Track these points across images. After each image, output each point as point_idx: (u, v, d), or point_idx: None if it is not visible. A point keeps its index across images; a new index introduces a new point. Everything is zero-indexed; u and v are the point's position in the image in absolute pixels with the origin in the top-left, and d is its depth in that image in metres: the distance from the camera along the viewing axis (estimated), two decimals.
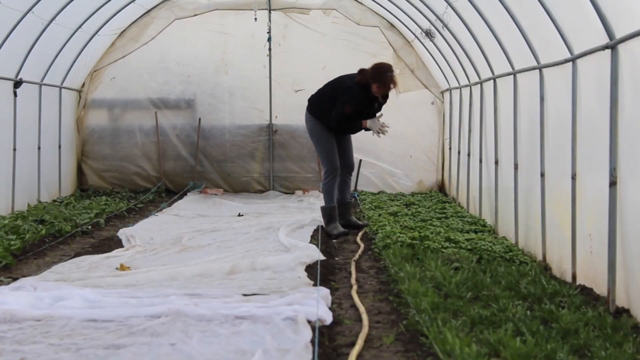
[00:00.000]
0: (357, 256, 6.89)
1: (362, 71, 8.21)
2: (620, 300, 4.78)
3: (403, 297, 5.11)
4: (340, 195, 8.46)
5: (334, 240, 7.75)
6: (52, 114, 10.88)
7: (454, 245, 7.00)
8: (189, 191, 11.94)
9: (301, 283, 5.66)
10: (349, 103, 8.09)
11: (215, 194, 11.75)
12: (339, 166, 8.29)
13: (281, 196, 11.98)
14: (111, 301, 4.96)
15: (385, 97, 8.34)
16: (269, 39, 12.25)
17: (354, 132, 8.41)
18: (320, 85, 8.56)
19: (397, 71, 12.91)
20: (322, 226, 8.35)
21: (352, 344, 4.19)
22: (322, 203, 8.44)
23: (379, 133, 8.20)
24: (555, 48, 5.94)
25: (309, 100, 8.51)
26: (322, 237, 7.74)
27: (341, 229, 8.16)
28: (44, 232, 7.78)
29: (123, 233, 7.95)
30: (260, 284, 5.70)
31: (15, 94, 9.31)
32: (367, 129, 8.24)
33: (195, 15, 12.32)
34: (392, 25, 12.19)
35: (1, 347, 4.03)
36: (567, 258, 5.78)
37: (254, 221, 8.94)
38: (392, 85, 8.12)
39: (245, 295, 5.25)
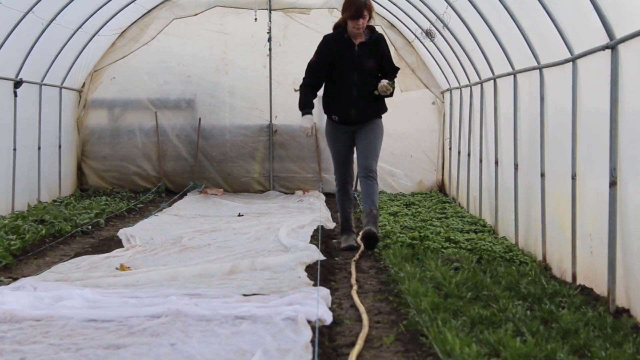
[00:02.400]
0: (357, 256, 6.88)
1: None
2: (620, 300, 4.78)
3: (403, 297, 5.10)
4: (363, 201, 7.09)
5: (334, 241, 7.75)
6: (52, 114, 10.88)
7: (454, 245, 7.00)
8: (189, 191, 11.94)
9: (301, 283, 5.66)
10: (316, 51, 6.98)
11: (215, 194, 11.75)
12: (346, 179, 7.16)
13: (281, 196, 11.98)
14: (111, 301, 4.96)
15: (374, 43, 6.94)
16: (269, 39, 12.25)
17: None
18: None
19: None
20: (322, 226, 8.34)
21: (352, 344, 4.19)
22: (322, 203, 8.41)
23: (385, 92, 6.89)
24: (555, 48, 5.94)
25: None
26: (322, 237, 7.73)
27: (349, 242, 7.18)
28: (44, 232, 7.78)
29: (123, 233, 7.95)
30: (260, 284, 5.70)
31: (15, 94, 9.32)
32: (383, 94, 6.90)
33: (196, 14, 12.32)
34: (392, 25, 12.20)
35: (1, 347, 4.03)
36: (567, 258, 5.78)
37: (254, 221, 8.94)
38: (364, 11, 6.69)
39: (245, 295, 5.24)
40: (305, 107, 6.99)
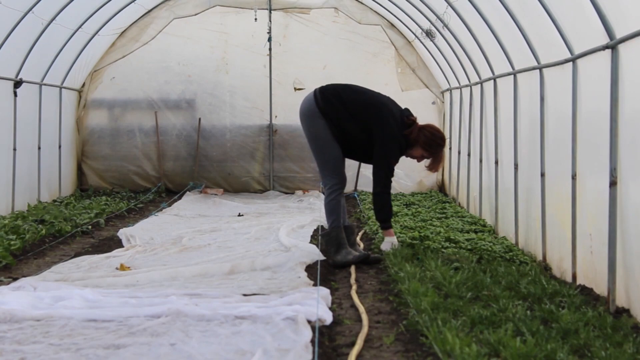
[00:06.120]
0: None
1: (413, 126, 6.63)
2: (621, 300, 4.78)
3: (403, 297, 5.10)
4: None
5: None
6: (52, 114, 10.88)
7: (454, 245, 7.00)
8: (189, 191, 11.94)
9: (301, 283, 5.66)
10: (396, 156, 6.75)
11: (215, 194, 11.76)
12: (344, 179, 6.76)
13: (281, 196, 11.98)
14: (111, 301, 4.96)
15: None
16: (270, 39, 12.26)
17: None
18: (320, 85, 6.80)
19: (398, 70, 13.02)
20: (322, 226, 8.32)
21: (352, 344, 4.19)
22: (322, 203, 8.08)
23: None
24: (555, 48, 5.94)
25: (323, 92, 6.59)
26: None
27: (356, 253, 6.57)
28: (44, 232, 7.78)
29: (123, 233, 7.95)
30: (260, 284, 5.70)
31: (15, 94, 9.32)
32: None
33: (196, 14, 12.33)
34: (392, 24, 12.21)
35: (1, 347, 4.04)
36: (567, 258, 5.78)
37: (254, 221, 8.94)
38: (439, 162, 6.89)
39: (245, 295, 5.25)
40: (391, 218, 6.78)
